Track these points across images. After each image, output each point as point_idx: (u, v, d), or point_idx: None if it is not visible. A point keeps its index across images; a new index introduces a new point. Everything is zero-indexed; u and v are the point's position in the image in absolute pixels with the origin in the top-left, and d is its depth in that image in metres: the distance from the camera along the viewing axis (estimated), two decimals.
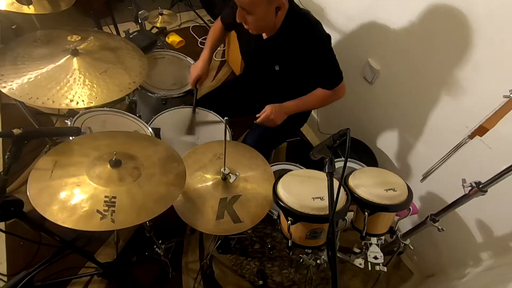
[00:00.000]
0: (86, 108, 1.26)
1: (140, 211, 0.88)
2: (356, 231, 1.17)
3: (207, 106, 1.57)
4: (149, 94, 1.58)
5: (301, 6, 1.46)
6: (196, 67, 1.52)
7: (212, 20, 3.09)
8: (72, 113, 1.31)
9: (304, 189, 1.03)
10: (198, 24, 3.04)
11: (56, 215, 0.82)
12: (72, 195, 0.87)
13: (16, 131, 0.89)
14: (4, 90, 1.11)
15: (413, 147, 1.63)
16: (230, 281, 1.63)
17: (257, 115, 1.39)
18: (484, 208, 1.36)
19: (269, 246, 1.71)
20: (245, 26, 1.24)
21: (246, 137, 1.60)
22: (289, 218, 0.99)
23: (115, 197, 0.88)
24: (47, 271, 1.46)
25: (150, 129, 1.36)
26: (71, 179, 0.90)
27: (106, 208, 0.85)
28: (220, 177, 1.15)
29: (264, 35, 1.34)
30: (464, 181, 1.16)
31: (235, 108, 1.68)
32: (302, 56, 1.28)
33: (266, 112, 1.37)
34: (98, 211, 0.84)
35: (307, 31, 1.26)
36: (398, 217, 1.27)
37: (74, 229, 0.80)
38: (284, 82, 1.43)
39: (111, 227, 0.83)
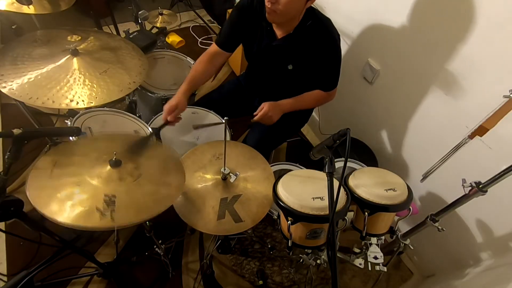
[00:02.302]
0: (86, 108, 1.26)
1: (140, 210, 0.88)
2: (356, 231, 1.17)
3: (207, 106, 1.57)
4: (149, 94, 1.58)
5: None
6: (171, 99, 1.33)
7: (212, 20, 3.09)
8: (72, 113, 1.31)
9: (304, 189, 1.03)
10: (198, 24, 3.04)
11: (56, 213, 0.81)
12: (71, 194, 0.87)
13: (16, 131, 0.89)
14: (4, 90, 1.11)
15: (413, 147, 1.63)
16: (230, 281, 1.63)
17: (254, 113, 1.37)
18: (484, 208, 1.36)
19: (269, 246, 1.71)
20: (270, 10, 1.16)
21: (246, 137, 1.60)
22: (289, 218, 0.99)
23: (114, 196, 0.88)
24: (47, 271, 1.46)
25: (150, 129, 1.36)
26: (70, 178, 0.90)
27: (106, 206, 0.85)
28: (220, 177, 1.15)
29: (279, 34, 1.33)
30: (464, 181, 1.16)
31: (235, 108, 1.68)
32: (316, 55, 1.29)
33: (264, 109, 1.35)
34: (97, 209, 0.84)
35: (322, 29, 1.27)
36: (398, 217, 1.27)
37: (74, 228, 0.80)
38: (296, 81, 1.43)
39: (110, 225, 0.83)
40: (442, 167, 1.48)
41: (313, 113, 2.23)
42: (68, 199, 0.85)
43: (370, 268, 1.17)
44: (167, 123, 1.31)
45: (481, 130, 1.25)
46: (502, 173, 1.04)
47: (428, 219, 1.32)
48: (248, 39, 1.46)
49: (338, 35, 1.30)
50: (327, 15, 1.61)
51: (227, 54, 1.48)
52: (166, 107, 1.30)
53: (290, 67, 1.36)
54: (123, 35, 1.74)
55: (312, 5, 1.28)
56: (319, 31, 1.27)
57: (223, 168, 1.13)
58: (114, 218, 0.84)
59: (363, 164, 1.53)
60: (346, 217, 1.05)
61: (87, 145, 1.06)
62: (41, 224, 1.09)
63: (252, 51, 1.49)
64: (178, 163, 1.08)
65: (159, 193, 0.95)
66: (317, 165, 1.14)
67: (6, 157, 0.91)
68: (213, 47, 1.46)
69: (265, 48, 1.38)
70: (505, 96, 1.14)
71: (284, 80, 1.46)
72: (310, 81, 1.41)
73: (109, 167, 0.94)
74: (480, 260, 1.47)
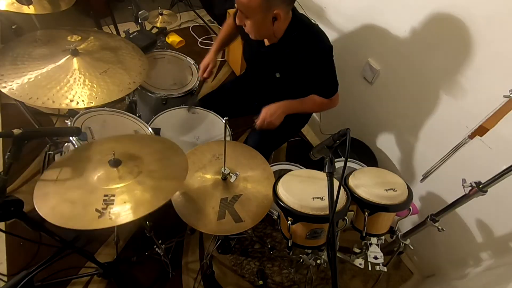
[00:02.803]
0: (86, 108, 1.26)
1: (138, 206, 0.88)
2: (356, 231, 1.17)
3: (207, 106, 1.57)
4: (149, 94, 1.58)
5: (301, 6, 1.46)
6: (205, 58, 1.56)
7: (212, 20, 3.09)
8: (72, 113, 1.31)
9: (304, 189, 1.03)
10: (198, 24, 3.04)
11: (56, 217, 0.82)
12: (73, 197, 0.87)
13: (16, 131, 0.89)
14: (4, 90, 1.11)
15: (413, 147, 1.63)
16: (230, 281, 1.63)
17: (255, 119, 1.39)
18: (484, 208, 1.36)
19: (269, 246, 1.71)
20: (245, 30, 1.24)
21: (247, 138, 1.60)
22: (289, 218, 0.99)
23: (113, 195, 0.88)
24: (47, 271, 1.46)
25: (150, 129, 1.36)
26: (73, 181, 0.91)
27: (105, 206, 0.85)
28: (220, 177, 1.15)
29: (266, 42, 1.34)
30: (464, 181, 1.16)
31: (236, 108, 1.68)
32: (303, 66, 1.28)
33: (262, 115, 1.37)
34: (96, 209, 0.84)
35: (310, 42, 1.26)
36: (398, 217, 1.27)
37: (73, 228, 0.80)
38: (284, 89, 1.43)
39: (109, 224, 0.83)
40: (442, 167, 1.48)
41: (314, 114, 2.24)
42: (70, 203, 0.86)
43: (370, 268, 1.17)
44: (204, 80, 1.57)
45: (481, 130, 1.25)
46: (502, 173, 1.04)
47: (428, 219, 1.32)
48: (246, 40, 1.46)
49: (330, 47, 1.28)
50: (328, 15, 1.61)
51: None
52: (201, 65, 1.55)
53: (277, 75, 1.37)
54: (123, 35, 1.74)
55: (305, 14, 1.28)
56: (306, 42, 1.25)
57: (223, 168, 1.13)
58: (112, 216, 0.84)
59: (363, 164, 1.53)
60: (346, 217, 1.05)
61: (93, 149, 1.05)
62: (41, 224, 1.08)
63: (247, 53, 1.51)
64: (180, 151, 1.07)
65: (160, 187, 0.94)
66: (317, 165, 1.14)
67: (6, 157, 0.91)
68: (231, 17, 1.53)
69: (256, 52, 1.40)
70: (505, 96, 1.14)
71: (273, 87, 1.46)
72: (302, 89, 1.40)
73: (109, 167, 0.94)
74: (480, 260, 1.47)
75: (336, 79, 1.37)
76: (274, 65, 1.36)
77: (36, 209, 0.83)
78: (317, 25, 1.31)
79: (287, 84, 1.40)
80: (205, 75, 1.55)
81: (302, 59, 1.27)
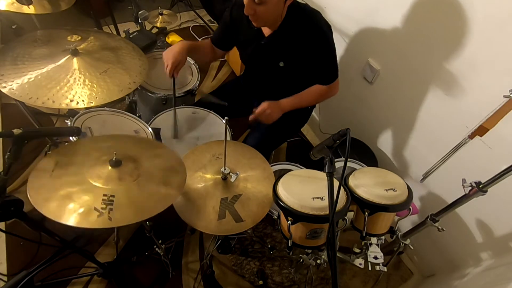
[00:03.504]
0: (86, 108, 1.26)
1: (137, 210, 0.88)
2: (356, 231, 1.17)
3: (207, 106, 1.57)
4: (149, 94, 1.58)
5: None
6: (171, 52, 1.37)
7: (212, 20, 3.09)
8: (72, 113, 1.31)
9: (304, 189, 1.03)
10: (198, 24, 3.04)
11: (54, 212, 0.81)
12: (70, 193, 0.86)
13: (16, 131, 0.89)
14: (4, 90, 1.11)
15: (413, 147, 1.63)
16: (230, 281, 1.63)
17: (254, 110, 1.37)
18: (484, 208, 1.36)
19: (269, 246, 1.71)
20: (252, 18, 1.23)
21: (247, 137, 1.60)
22: (289, 218, 0.99)
23: (113, 196, 0.88)
24: (47, 271, 1.47)
25: (150, 129, 1.36)
26: (70, 177, 0.90)
27: (104, 206, 0.85)
28: (220, 177, 1.15)
29: (266, 33, 1.34)
30: (464, 181, 1.16)
31: (236, 108, 1.67)
32: (305, 49, 1.28)
33: (263, 106, 1.36)
34: (95, 208, 0.84)
35: (308, 23, 1.26)
36: (398, 217, 1.27)
37: (73, 228, 0.80)
38: (289, 77, 1.43)
39: (107, 225, 0.83)
40: (442, 167, 1.48)
41: (313, 113, 2.23)
42: (67, 198, 0.85)
43: (370, 268, 1.17)
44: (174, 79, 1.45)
45: (481, 130, 1.25)
46: (502, 173, 1.04)
47: (428, 219, 1.32)
48: (241, 40, 1.46)
49: (328, 26, 1.29)
50: (328, 16, 1.60)
51: (220, 51, 1.57)
52: (168, 67, 1.36)
53: (281, 64, 1.36)
54: (123, 35, 1.74)
55: (298, 0, 1.28)
56: (305, 25, 1.26)
57: (223, 168, 1.13)
58: (111, 218, 0.83)
59: (363, 164, 1.53)
60: (346, 217, 1.05)
61: (89, 145, 1.06)
62: (41, 224, 1.09)
63: (245, 53, 1.50)
64: (180, 162, 1.07)
65: (159, 193, 0.95)
66: (317, 165, 1.14)
67: (6, 157, 0.91)
68: (210, 41, 1.56)
69: (256, 48, 1.39)
70: (505, 96, 1.14)
71: (278, 78, 1.46)
72: (305, 77, 1.40)
73: (109, 167, 0.94)
74: (480, 260, 1.47)
75: (337, 64, 1.37)
76: (277, 54, 1.36)
77: (30, 200, 0.82)
78: (308, 5, 1.32)
79: (291, 72, 1.40)
80: (174, 74, 1.43)
81: (303, 41, 1.27)
